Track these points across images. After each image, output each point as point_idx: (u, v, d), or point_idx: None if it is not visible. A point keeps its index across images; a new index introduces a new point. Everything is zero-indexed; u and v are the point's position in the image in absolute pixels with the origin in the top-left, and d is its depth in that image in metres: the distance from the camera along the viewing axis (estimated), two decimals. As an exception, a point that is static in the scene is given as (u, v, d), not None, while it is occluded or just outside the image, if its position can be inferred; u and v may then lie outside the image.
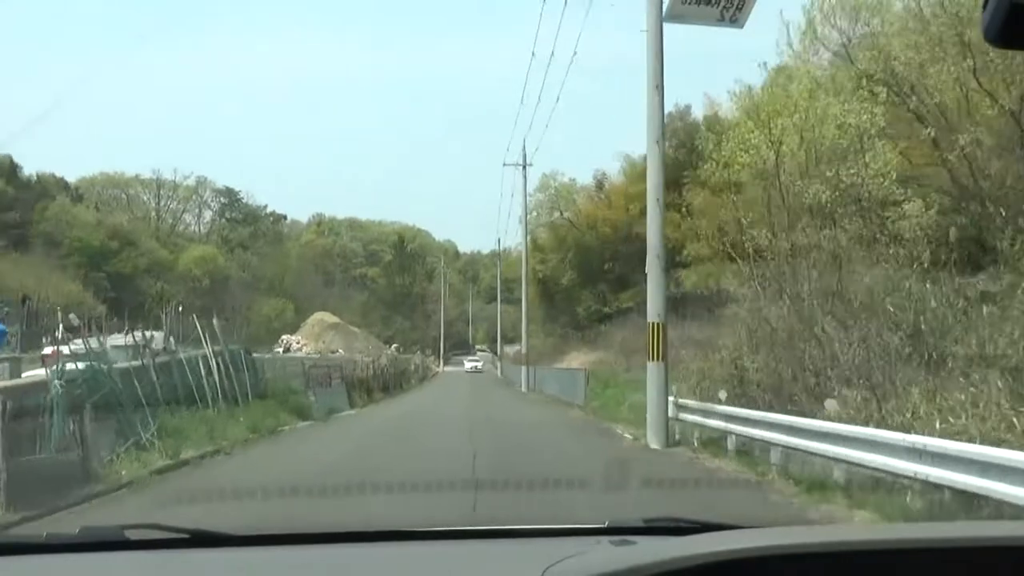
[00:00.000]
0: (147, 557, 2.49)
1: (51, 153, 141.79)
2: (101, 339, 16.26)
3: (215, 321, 22.80)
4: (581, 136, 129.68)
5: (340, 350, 62.40)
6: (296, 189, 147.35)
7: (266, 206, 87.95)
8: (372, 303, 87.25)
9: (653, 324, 16.95)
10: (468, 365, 76.66)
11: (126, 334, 19.03)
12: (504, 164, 51.23)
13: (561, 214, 53.82)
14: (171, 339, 21.07)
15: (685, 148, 47.05)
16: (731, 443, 13.82)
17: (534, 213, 54.90)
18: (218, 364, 19.97)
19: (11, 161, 66.27)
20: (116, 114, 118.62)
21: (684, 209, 46.39)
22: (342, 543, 2.66)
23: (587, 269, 51.30)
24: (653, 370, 16.56)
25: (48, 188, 69.32)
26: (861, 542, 1.90)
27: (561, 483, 9.55)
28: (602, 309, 50.38)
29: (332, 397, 27.03)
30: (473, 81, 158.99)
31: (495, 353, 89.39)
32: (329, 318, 71.10)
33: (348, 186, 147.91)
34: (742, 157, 23.89)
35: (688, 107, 49.23)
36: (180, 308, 26.61)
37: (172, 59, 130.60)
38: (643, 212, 49.06)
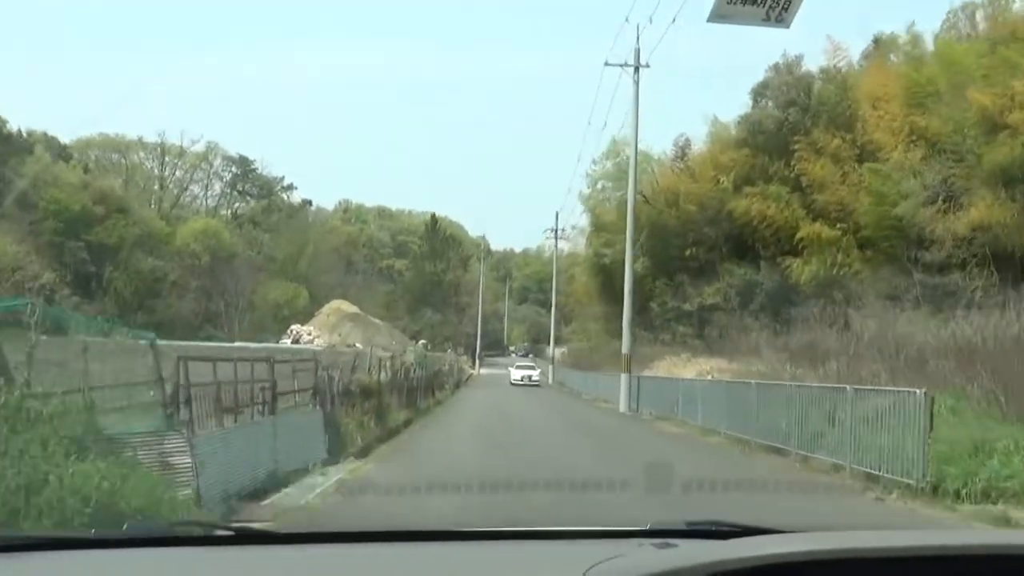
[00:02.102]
0: (192, 553, 2.53)
1: (53, 115, 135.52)
2: None
3: None
4: (657, 102, 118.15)
5: (358, 344, 54.37)
6: (324, 175, 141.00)
7: (283, 178, 79.88)
8: (398, 293, 78.82)
9: None
10: (517, 374, 52.92)
11: None
12: (606, 63, 35.85)
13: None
14: None
15: (796, 107, 38.26)
16: None
17: (598, 185, 46.37)
18: None
19: (-9, 112, 58.93)
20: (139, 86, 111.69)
21: (797, 182, 37.94)
22: (383, 542, 2.69)
23: (663, 255, 42.66)
24: None
25: (35, 146, 61.85)
26: (903, 548, 1.90)
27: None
28: (681, 306, 41.72)
29: (275, 441, 12.03)
30: (508, 73, 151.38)
31: (534, 355, 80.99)
32: (347, 307, 63.01)
33: (378, 176, 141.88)
34: None
35: (799, 57, 40.26)
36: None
37: (202, 37, 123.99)
38: (737, 186, 40.75)
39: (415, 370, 30.27)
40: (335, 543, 2.67)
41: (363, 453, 15.21)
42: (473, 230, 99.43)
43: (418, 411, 26.19)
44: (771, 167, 38.69)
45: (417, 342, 55.59)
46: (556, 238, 60.57)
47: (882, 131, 33.97)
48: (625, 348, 33.96)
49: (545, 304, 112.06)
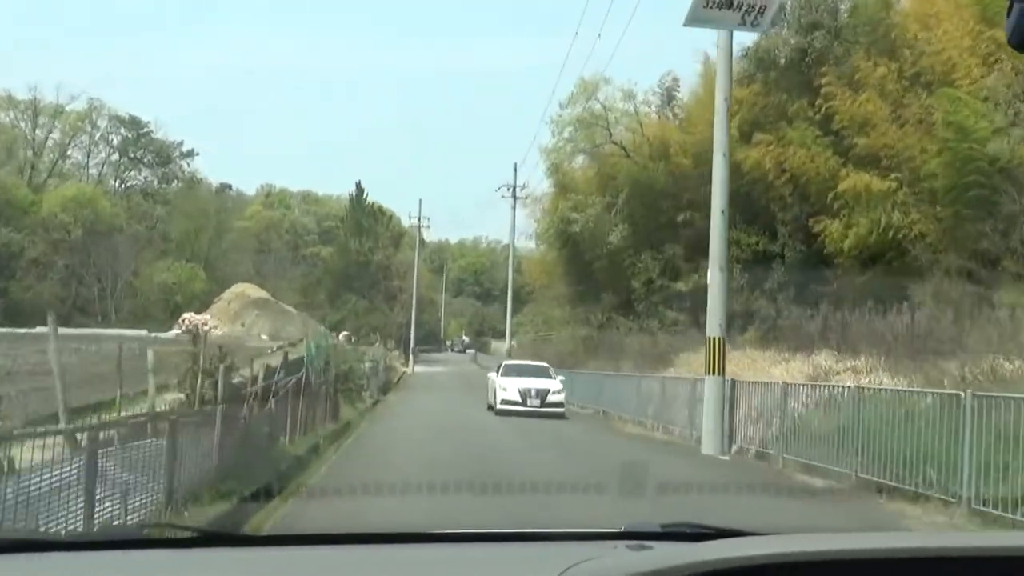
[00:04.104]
0: (164, 555, 2.52)
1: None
2: None
3: None
4: (638, 34, 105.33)
5: (264, 335, 45.43)
6: (246, 159, 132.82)
7: (181, 142, 69.82)
8: (317, 276, 69.56)
9: None
10: (512, 387, 27.17)
11: None
12: None
13: (609, 134, 36.77)
14: None
15: (823, 30, 30.64)
16: None
17: (565, 133, 38.01)
18: None
19: None
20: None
21: (826, 124, 30.37)
22: (356, 544, 2.66)
23: (649, 222, 34.77)
24: None
25: None
26: (879, 550, 1.91)
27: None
28: (671, 285, 33.78)
29: None
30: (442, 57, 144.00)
31: (477, 350, 72.69)
32: (254, 292, 53.93)
33: (304, 162, 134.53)
34: None
35: (823, -29, 32.38)
36: None
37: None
38: (745, 133, 32.49)
39: (302, 374, 17.56)
40: (310, 545, 2.64)
41: None
42: (406, 221, 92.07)
43: (270, 484, 10.02)
44: (790, 107, 30.94)
45: (338, 333, 46.82)
46: (514, 196, 51.65)
47: (952, 50, 26.34)
48: (715, 329, 18.23)
49: (482, 297, 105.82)
